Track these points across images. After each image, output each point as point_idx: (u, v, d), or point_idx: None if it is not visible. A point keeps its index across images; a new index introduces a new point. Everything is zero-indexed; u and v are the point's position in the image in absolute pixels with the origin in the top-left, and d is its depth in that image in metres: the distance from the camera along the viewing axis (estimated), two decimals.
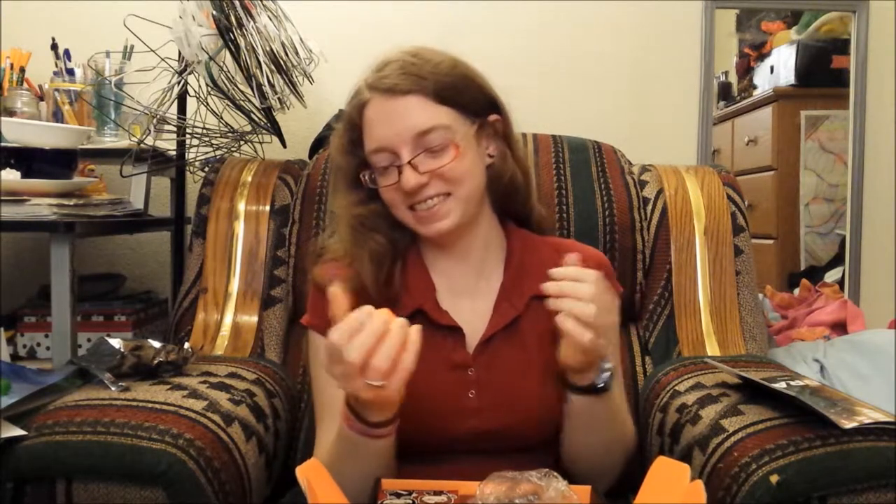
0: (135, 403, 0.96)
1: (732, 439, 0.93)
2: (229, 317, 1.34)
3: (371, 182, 0.99)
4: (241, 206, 1.41)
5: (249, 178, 1.44)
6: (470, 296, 1.04)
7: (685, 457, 1.00)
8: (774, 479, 0.85)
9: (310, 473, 0.75)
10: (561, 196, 1.37)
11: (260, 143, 1.56)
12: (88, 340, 1.51)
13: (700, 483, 0.75)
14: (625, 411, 1.06)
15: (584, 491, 0.81)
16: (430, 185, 0.96)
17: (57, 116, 1.64)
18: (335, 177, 1.10)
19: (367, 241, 1.01)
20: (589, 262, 1.05)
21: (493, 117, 1.03)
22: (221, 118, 1.48)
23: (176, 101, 1.49)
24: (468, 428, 0.96)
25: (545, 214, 1.17)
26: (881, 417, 0.89)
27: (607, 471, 1.03)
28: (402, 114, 0.96)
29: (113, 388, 1.01)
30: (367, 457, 0.89)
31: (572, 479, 0.84)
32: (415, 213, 0.99)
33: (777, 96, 2.04)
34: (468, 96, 1.00)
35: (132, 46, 1.60)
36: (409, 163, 0.95)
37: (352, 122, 1.01)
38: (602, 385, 0.93)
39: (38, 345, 1.54)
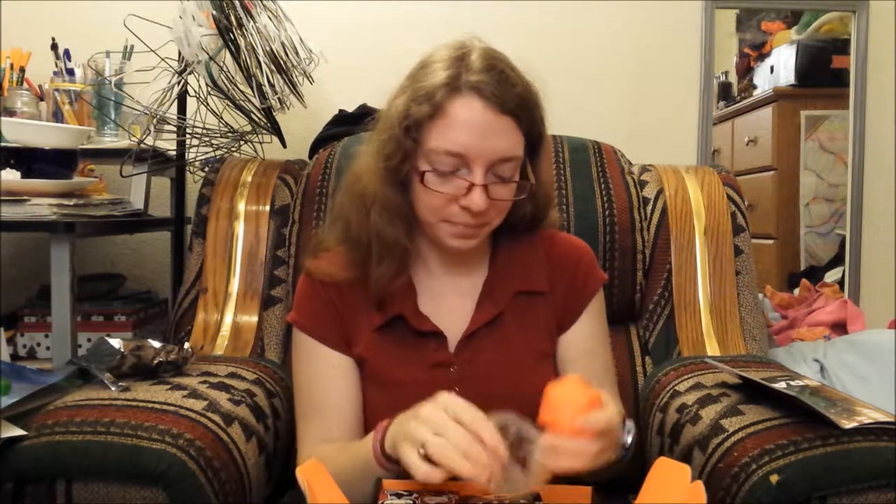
0: (135, 403, 0.96)
1: (732, 439, 0.93)
2: (229, 317, 1.34)
3: (422, 180, 0.92)
4: (241, 206, 1.41)
5: (249, 178, 1.44)
6: (452, 294, 1.04)
7: (685, 457, 1.01)
8: (774, 479, 0.85)
9: (310, 474, 0.75)
10: (561, 196, 1.37)
11: (260, 143, 1.56)
12: (88, 340, 1.51)
13: (700, 484, 0.75)
14: None
15: (585, 491, 0.81)
16: (486, 211, 0.93)
17: (57, 116, 1.64)
18: (378, 153, 0.97)
19: (395, 230, 0.98)
20: (571, 251, 1.07)
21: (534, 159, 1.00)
22: (221, 118, 1.48)
23: (176, 101, 1.49)
24: None
25: (557, 222, 1.14)
26: (881, 417, 0.89)
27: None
28: (496, 132, 0.91)
29: (113, 388, 1.01)
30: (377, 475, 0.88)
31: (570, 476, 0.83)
32: (450, 224, 0.95)
33: (777, 96, 2.04)
34: (536, 131, 0.97)
35: (132, 46, 1.60)
36: (483, 185, 0.91)
37: (430, 108, 0.91)
38: (626, 448, 0.88)
39: (38, 345, 1.54)
